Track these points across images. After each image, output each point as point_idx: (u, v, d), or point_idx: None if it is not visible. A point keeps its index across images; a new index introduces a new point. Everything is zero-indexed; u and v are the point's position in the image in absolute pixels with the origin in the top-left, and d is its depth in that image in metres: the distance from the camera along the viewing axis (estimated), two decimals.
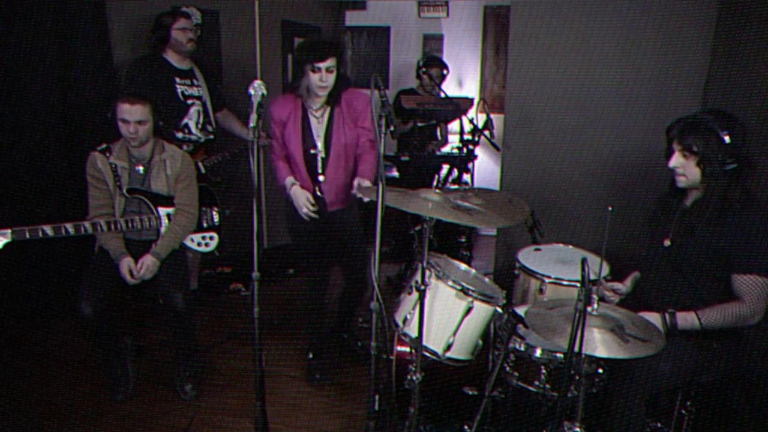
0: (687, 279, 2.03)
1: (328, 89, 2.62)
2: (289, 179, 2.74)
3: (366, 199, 2.59)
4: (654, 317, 1.97)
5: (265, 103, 1.92)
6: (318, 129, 2.75)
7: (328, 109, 2.73)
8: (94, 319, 2.56)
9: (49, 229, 2.43)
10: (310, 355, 3.02)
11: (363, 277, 2.98)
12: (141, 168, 2.74)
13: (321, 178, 2.77)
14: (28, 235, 2.38)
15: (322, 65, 2.55)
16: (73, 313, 2.55)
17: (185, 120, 3.36)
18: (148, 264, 2.67)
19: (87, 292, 2.56)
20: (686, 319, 1.97)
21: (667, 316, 1.98)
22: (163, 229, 2.77)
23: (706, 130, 1.94)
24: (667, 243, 2.11)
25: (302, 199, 2.70)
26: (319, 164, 2.76)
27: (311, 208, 2.71)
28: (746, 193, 1.97)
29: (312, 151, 2.74)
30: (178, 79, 3.33)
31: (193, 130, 3.39)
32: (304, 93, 2.65)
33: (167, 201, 2.78)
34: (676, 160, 2.02)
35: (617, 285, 2.27)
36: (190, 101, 3.37)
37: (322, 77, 2.57)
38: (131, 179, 2.72)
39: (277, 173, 2.78)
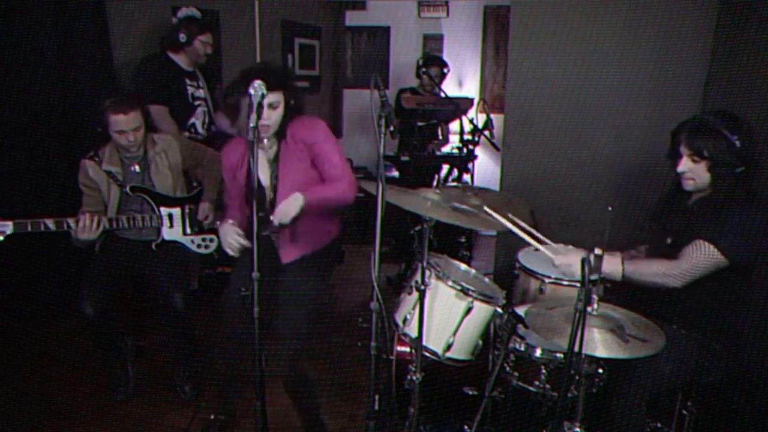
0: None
1: (272, 128, 2.25)
2: (227, 221, 2.34)
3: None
4: (577, 254, 1.97)
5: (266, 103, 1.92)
6: (266, 167, 2.37)
7: (276, 143, 2.35)
8: (95, 319, 2.56)
9: (51, 223, 2.43)
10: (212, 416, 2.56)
11: (292, 367, 2.39)
12: (137, 167, 2.73)
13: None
14: (30, 228, 2.39)
15: (264, 101, 1.99)
16: (74, 313, 2.55)
17: (192, 120, 3.39)
18: (205, 208, 2.85)
19: (88, 292, 2.56)
20: (610, 261, 1.95)
21: (592, 257, 1.90)
22: (164, 229, 2.77)
23: (716, 134, 1.92)
24: (669, 241, 2.11)
25: (230, 235, 2.25)
26: (267, 205, 2.35)
27: (241, 240, 2.25)
28: (750, 192, 1.97)
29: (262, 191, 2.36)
30: (188, 81, 3.36)
31: (200, 129, 3.44)
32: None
33: (169, 201, 2.78)
34: (685, 165, 2.00)
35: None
36: (197, 102, 3.41)
37: (263, 115, 2.06)
38: (127, 180, 2.71)
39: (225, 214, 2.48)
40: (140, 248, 2.75)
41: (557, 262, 2.04)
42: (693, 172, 1.99)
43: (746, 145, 1.92)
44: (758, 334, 2.02)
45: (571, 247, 2.11)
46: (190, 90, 3.37)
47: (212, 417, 2.59)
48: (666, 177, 2.23)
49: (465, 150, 3.89)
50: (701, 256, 1.91)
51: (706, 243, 1.91)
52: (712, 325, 2.01)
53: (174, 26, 3.33)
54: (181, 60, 3.35)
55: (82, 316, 2.53)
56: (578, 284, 1.58)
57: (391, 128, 1.78)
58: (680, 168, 2.02)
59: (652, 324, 1.81)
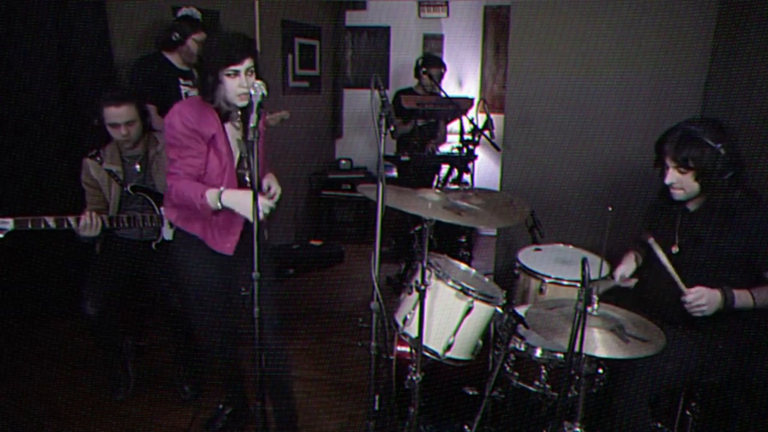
0: (693, 284, 1.99)
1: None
2: (212, 190, 2.11)
3: None
4: (713, 293, 1.93)
5: (265, 103, 1.92)
6: (234, 145, 2.25)
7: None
8: (97, 320, 2.56)
9: (51, 221, 2.44)
10: (220, 406, 2.66)
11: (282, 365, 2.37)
12: (138, 166, 2.73)
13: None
14: (30, 225, 2.39)
15: (240, 67, 2.08)
16: (76, 314, 2.56)
17: None
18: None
19: (90, 292, 2.57)
20: (740, 296, 1.93)
21: (726, 292, 1.93)
22: (164, 229, 2.77)
23: (700, 144, 1.92)
24: (675, 250, 2.11)
25: (248, 199, 1.94)
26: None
27: (266, 201, 2.14)
28: (747, 192, 1.97)
29: (241, 172, 2.25)
30: (182, 80, 3.36)
31: None
32: (222, 104, 2.15)
33: None
34: (672, 176, 2.00)
35: (624, 273, 2.25)
36: None
37: (241, 82, 2.09)
38: (128, 179, 2.71)
39: (188, 192, 2.13)
40: (140, 248, 2.75)
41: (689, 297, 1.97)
42: (681, 182, 2.00)
43: (731, 151, 1.91)
44: (758, 333, 2.01)
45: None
46: (185, 89, 3.36)
47: (220, 407, 2.64)
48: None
49: (465, 150, 3.89)
50: None
51: None
52: (714, 324, 2.01)
53: (169, 26, 3.33)
54: (175, 59, 3.35)
55: (85, 316, 2.54)
56: (578, 284, 1.58)
57: (392, 128, 1.78)
58: (668, 180, 2.02)
59: (652, 324, 1.81)
